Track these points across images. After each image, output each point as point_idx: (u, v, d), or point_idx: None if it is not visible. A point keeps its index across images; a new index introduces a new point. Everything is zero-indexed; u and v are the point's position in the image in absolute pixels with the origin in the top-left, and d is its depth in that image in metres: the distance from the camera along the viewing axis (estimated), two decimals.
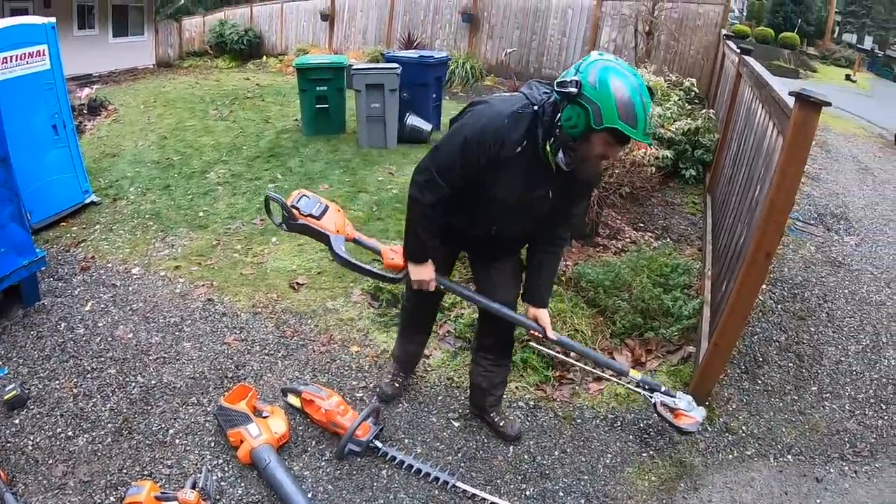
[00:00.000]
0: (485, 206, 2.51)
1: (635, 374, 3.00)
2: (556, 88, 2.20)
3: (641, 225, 5.84)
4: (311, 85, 8.65)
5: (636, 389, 3.09)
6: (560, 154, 2.30)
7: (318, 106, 8.77)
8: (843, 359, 4.08)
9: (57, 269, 4.91)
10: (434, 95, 9.12)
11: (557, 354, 3.59)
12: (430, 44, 15.24)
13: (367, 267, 2.87)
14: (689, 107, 8.04)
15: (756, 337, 4.17)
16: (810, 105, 2.66)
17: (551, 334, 2.77)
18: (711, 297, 4.04)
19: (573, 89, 2.11)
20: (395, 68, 8.21)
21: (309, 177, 7.08)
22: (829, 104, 2.65)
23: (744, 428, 3.35)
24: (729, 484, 2.98)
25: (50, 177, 5.73)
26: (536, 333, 2.79)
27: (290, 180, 6.97)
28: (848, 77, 23.74)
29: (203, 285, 4.64)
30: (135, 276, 4.82)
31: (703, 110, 7.71)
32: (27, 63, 5.36)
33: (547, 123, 2.29)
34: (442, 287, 2.77)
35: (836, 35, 36.16)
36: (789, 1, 29.68)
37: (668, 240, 5.51)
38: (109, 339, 3.93)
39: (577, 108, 2.13)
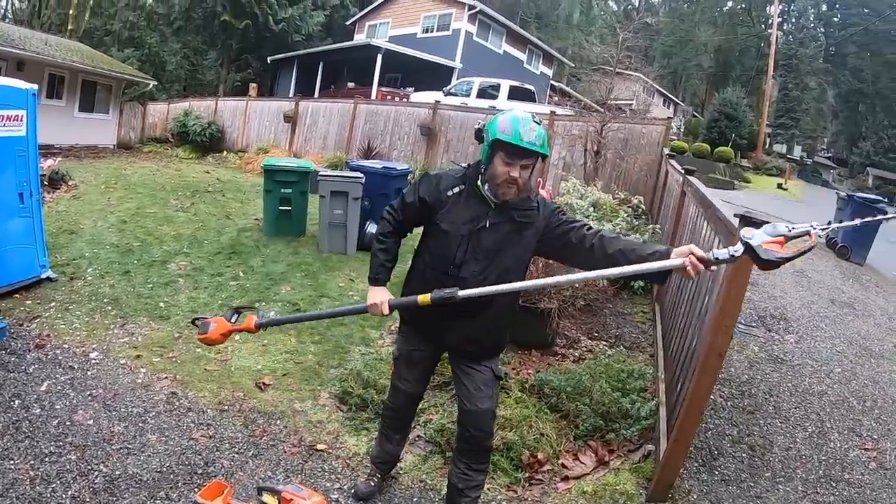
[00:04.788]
0: (439, 242, 2.92)
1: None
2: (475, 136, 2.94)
3: (596, 334, 6.06)
4: (277, 186, 8.86)
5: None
6: (486, 186, 2.85)
7: (281, 207, 8.95)
8: (791, 446, 4.38)
9: (9, 342, 4.83)
10: None
11: None
12: (388, 153, 15.64)
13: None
14: (637, 222, 8.39)
15: (710, 432, 4.40)
16: (753, 225, 3.00)
17: (705, 254, 2.45)
18: (666, 398, 4.26)
19: (478, 127, 2.91)
20: (360, 177, 8.49)
21: (271, 277, 7.17)
22: (768, 223, 3.05)
23: None
24: None
25: (9, 245, 5.66)
26: (691, 268, 2.43)
27: (251, 279, 7.06)
28: (780, 185, 25.65)
29: (166, 377, 4.61)
30: (93, 361, 4.77)
31: (650, 225, 8.14)
32: (3, 125, 5.40)
33: (475, 166, 2.92)
34: (395, 307, 2.91)
35: (767, 146, 38.78)
36: (723, 117, 32.29)
37: (622, 347, 5.72)
38: (68, 423, 3.85)
39: (482, 140, 2.84)
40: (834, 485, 3.96)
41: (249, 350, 5.21)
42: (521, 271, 2.94)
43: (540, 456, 3.87)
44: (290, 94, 26.81)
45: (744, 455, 4.20)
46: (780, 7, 42.24)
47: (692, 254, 2.41)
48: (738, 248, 2.39)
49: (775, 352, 6.06)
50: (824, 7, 49.47)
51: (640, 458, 3.97)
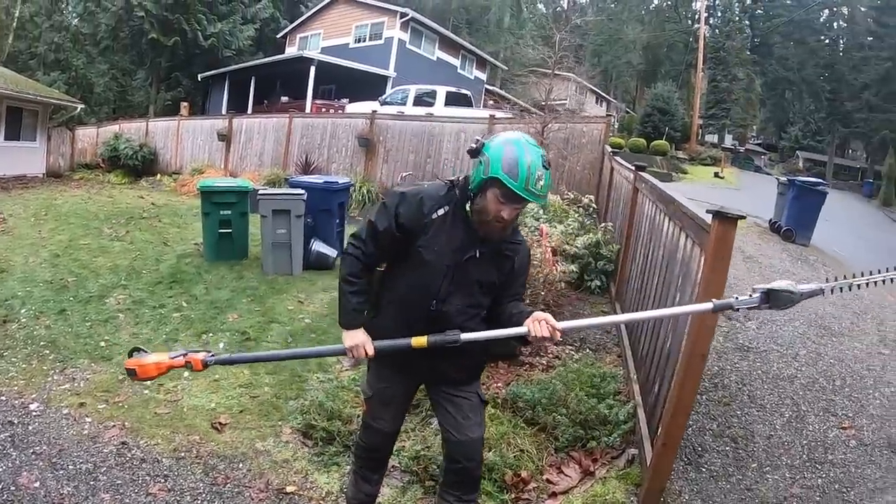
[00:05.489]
0: (419, 273, 2.63)
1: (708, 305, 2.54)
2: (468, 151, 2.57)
3: (561, 339, 5.90)
4: (215, 208, 8.57)
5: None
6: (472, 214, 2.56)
7: (221, 230, 8.65)
8: (772, 433, 4.38)
9: None
10: (337, 221, 9.19)
11: None
12: (326, 167, 15.43)
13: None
14: (588, 222, 8.47)
15: (690, 429, 4.30)
16: (728, 220, 2.93)
17: (560, 325, 2.50)
18: (643, 399, 4.17)
19: (476, 146, 2.51)
20: (301, 194, 8.28)
21: (216, 305, 6.87)
22: (744, 217, 2.96)
23: None
24: None
25: None
26: (544, 334, 2.46)
27: (196, 309, 6.74)
28: (716, 174, 26.48)
29: (114, 426, 4.26)
30: (34, 413, 4.39)
31: (602, 224, 8.16)
32: None
33: (462, 184, 2.59)
34: (381, 350, 2.62)
35: (700, 137, 40.00)
36: (656, 111, 33.35)
37: (588, 350, 5.63)
38: (13, 487, 3.48)
39: (478, 163, 2.48)
40: (819, 467, 3.98)
41: (200, 387, 4.90)
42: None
43: (524, 474, 3.71)
44: (223, 112, 26.31)
45: (727, 448, 4.16)
46: (707, 2, 43.36)
47: (545, 321, 2.46)
48: (758, 291, 2.43)
49: (740, 340, 6.08)
50: (749, 0, 51.24)
51: (625, 463, 3.88)
